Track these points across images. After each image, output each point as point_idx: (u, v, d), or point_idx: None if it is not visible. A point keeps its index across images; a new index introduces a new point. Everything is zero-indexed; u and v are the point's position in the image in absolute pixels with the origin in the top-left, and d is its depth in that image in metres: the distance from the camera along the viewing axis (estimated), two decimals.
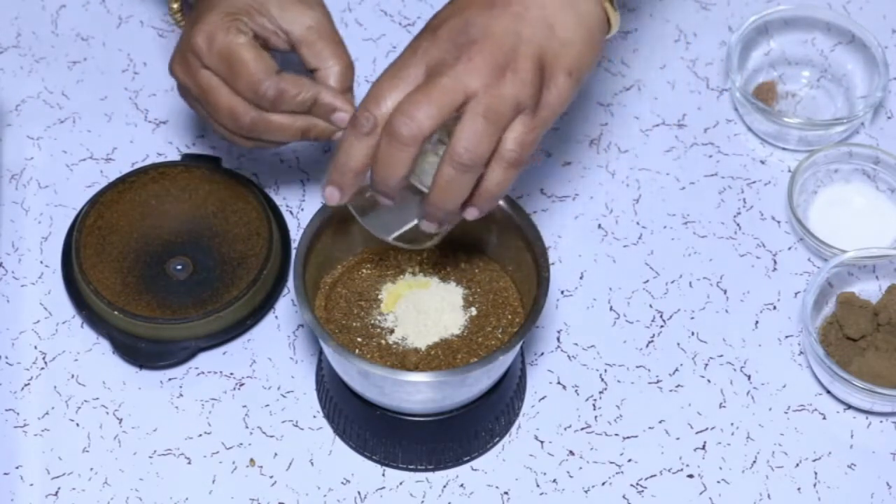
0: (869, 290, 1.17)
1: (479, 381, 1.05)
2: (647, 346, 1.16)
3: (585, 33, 0.98)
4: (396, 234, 1.04)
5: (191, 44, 1.05)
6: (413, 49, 0.97)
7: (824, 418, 1.12)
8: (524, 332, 1.03)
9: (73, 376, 1.14)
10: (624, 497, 1.09)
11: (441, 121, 0.95)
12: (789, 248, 1.20)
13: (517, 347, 1.04)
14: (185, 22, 1.13)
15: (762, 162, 1.25)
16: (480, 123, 0.94)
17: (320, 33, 1.08)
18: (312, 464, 1.10)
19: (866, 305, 1.14)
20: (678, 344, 1.16)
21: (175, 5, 1.13)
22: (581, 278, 1.19)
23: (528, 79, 0.96)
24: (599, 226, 1.21)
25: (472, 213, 1.00)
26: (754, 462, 1.10)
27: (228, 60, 1.05)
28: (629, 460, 1.10)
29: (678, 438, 1.11)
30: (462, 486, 1.10)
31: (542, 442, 1.11)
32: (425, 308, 1.09)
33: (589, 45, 0.98)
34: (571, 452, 1.11)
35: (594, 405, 1.13)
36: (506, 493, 1.09)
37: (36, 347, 1.15)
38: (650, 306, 1.17)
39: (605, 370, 1.14)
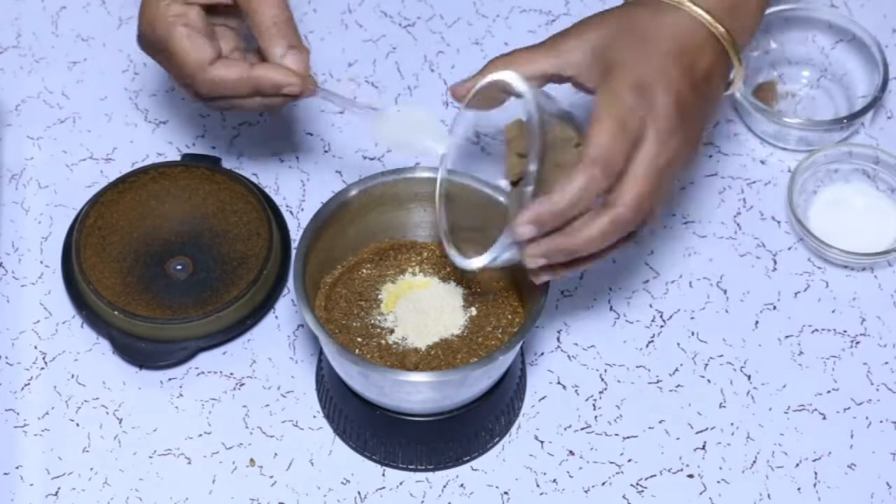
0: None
1: (479, 381, 1.05)
2: (647, 346, 1.16)
3: (721, 101, 1.04)
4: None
5: (140, 31, 1.07)
6: (631, 107, 0.96)
7: (824, 418, 1.12)
8: (524, 332, 1.03)
9: (73, 376, 1.14)
10: (624, 497, 1.09)
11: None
12: (789, 248, 1.20)
13: (517, 347, 1.04)
14: None
15: (762, 162, 1.25)
16: (648, 188, 0.97)
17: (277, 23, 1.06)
18: (312, 464, 1.10)
19: None
20: (678, 344, 1.16)
21: None
22: (581, 278, 1.19)
23: (694, 156, 1.01)
24: None
25: (544, 277, 1.01)
26: (754, 462, 1.10)
27: (166, 52, 1.06)
28: (629, 460, 1.10)
29: (678, 438, 1.11)
30: (462, 486, 1.10)
31: (542, 442, 1.11)
32: (425, 308, 1.09)
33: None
34: (571, 452, 1.11)
35: (594, 405, 1.13)
36: (506, 493, 1.09)
37: (36, 347, 1.15)
38: (650, 306, 1.17)
39: (605, 370, 1.14)
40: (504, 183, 1.05)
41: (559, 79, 1.01)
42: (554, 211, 0.95)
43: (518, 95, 0.98)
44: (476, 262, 1.01)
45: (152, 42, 1.07)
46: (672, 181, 0.98)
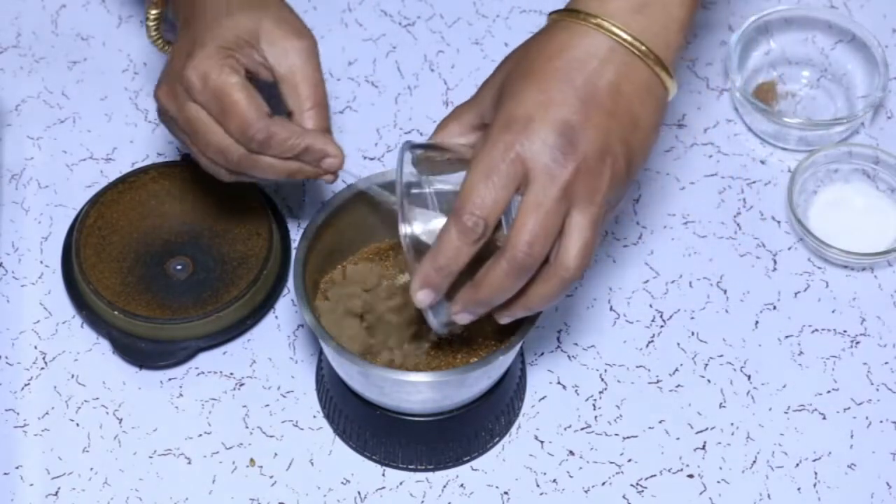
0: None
1: (479, 381, 1.05)
2: (647, 346, 1.16)
3: (660, 116, 0.97)
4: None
5: (183, 77, 1.03)
6: (508, 145, 0.92)
7: (824, 418, 1.12)
8: (524, 332, 1.03)
9: (73, 376, 1.14)
10: (624, 497, 1.09)
11: (554, 242, 0.93)
12: (789, 248, 1.20)
13: (517, 347, 1.04)
14: (167, 47, 1.11)
15: (762, 162, 1.25)
16: (589, 234, 0.93)
17: (302, 75, 1.06)
18: (312, 464, 1.10)
19: None
20: (678, 344, 1.16)
21: (152, 23, 1.11)
22: (581, 278, 1.19)
23: (619, 179, 0.95)
24: None
25: (504, 319, 0.98)
26: (754, 462, 1.10)
27: (221, 100, 1.03)
28: (629, 460, 1.10)
29: (678, 438, 1.11)
30: (462, 486, 1.10)
31: (542, 442, 1.11)
32: None
33: (661, 125, 0.98)
34: (571, 452, 1.11)
35: (594, 405, 1.13)
36: (506, 493, 1.09)
37: (36, 347, 1.15)
38: (650, 306, 1.17)
39: (605, 370, 1.14)
40: None
41: (484, 127, 0.98)
42: (437, 267, 0.93)
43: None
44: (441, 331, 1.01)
45: (202, 95, 1.03)
46: (583, 205, 0.93)
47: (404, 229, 0.98)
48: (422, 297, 0.95)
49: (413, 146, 0.99)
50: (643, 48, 0.95)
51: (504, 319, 0.98)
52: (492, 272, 0.94)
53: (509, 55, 0.98)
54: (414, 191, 0.99)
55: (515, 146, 0.92)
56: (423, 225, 0.99)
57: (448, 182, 0.99)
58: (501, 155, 0.92)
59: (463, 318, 0.97)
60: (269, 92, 1.06)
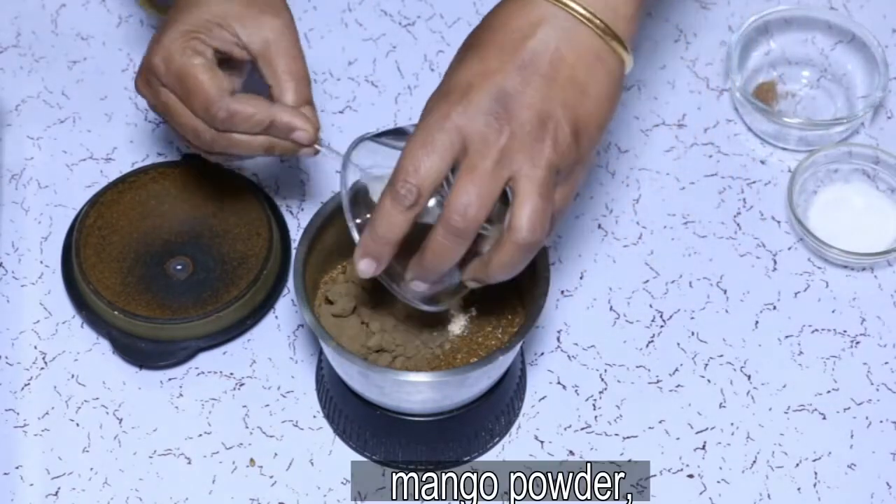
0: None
1: (479, 381, 1.05)
2: (647, 346, 1.16)
3: (612, 86, 0.96)
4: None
5: (150, 63, 1.05)
6: (443, 114, 0.93)
7: (824, 418, 1.12)
8: (524, 332, 1.03)
9: (73, 376, 1.14)
10: (624, 497, 1.09)
11: (493, 206, 0.93)
12: (789, 248, 1.20)
13: (517, 347, 1.04)
14: (152, 7, 1.12)
15: (762, 162, 1.25)
16: (536, 199, 0.93)
17: (277, 47, 1.06)
18: (312, 464, 1.10)
19: None
20: (678, 344, 1.16)
21: None
22: (581, 278, 1.19)
23: (566, 146, 0.94)
24: (599, 226, 1.21)
25: (473, 284, 0.99)
26: (754, 462, 1.10)
27: (184, 82, 1.04)
28: (629, 460, 1.10)
29: (678, 438, 1.11)
30: (462, 486, 1.10)
31: (542, 442, 1.11)
32: None
33: (615, 96, 0.97)
34: (571, 452, 1.11)
35: (594, 405, 1.13)
36: (506, 492, 1.09)
37: (36, 347, 1.15)
38: (650, 306, 1.17)
39: (605, 370, 1.14)
40: None
41: None
42: (374, 237, 0.94)
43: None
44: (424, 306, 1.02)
45: (166, 77, 1.05)
46: (525, 170, 0.93)
47: (350, 221, 0.99)
48: (363, 267, 0.95)
49: (365, 138, 0.99)
50: (587, 14, 0.94)
51: (471, 284, 0.99)
52: (431, 239, 0.94)
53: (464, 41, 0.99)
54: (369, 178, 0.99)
55: (452, 115, 0.92)
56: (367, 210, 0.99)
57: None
58: (437, 123, 0.93)
59: (418, 286, 0.97)
60: (253, 76, 1.07)
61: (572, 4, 0.94)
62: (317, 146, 1.07)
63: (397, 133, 0.99)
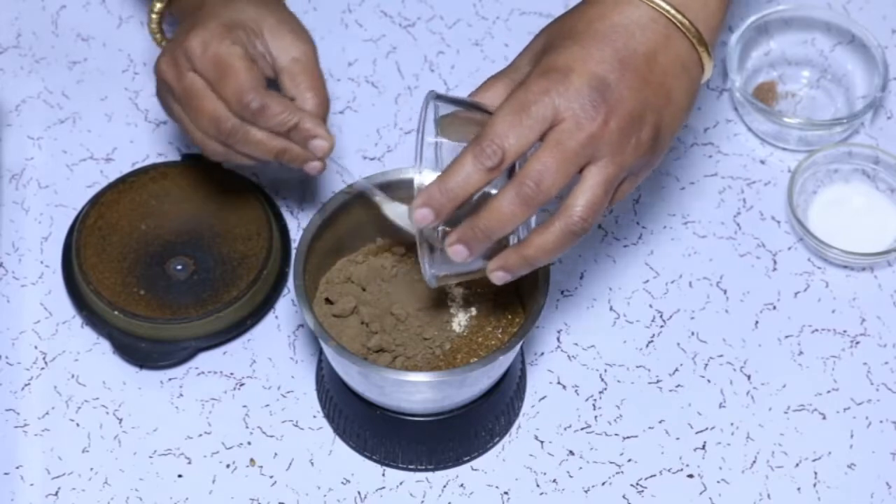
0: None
1: (479, 381, 1.05)
2: (647, 346, 1.16)
3: (692, 96, 0.98)
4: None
5: (184, 46, 1.04)
6: (543, 89, 0.93)
7: (824, 418, 1.12)
8: (524, 332, 1.03)
9: (73, 376, 1.14)
10: (624, 497, 1.09)
11: (563, 186, 0.94)
12: (789, 248, 1.20)
13: (517, 347, 1.04)
14: (165, 40, 1.12)
15: (762, 162, 1.25)
16: (600, 191, 0.94)
17: (304, 66, 1.07)
18: (312, 464, 1.10)
19: None
20: (678, 344, 1.16)
21: (155, 16, 1.12)
22: (581, 278, 1.19)
23: (645, 149, 0.95)
24: (599, 226, 1.21)
25: (500, 277, 0.97)
26: (754, 462, 1.10)
27: (220, 66, 1.04)
28: (629, 460, 1.10)
29: (678, 438, 1.11)
30: (462, 486, 1.10)
31: (542, 442, 1.11)
32: None
33: (692, 106, 0.99)
34: (571, 452, 1.11)
35: (594, 405, 1.13)
36: (506, 493, 1.09)
37: (36, 347, 1.15)
38: (650, 306, 1.17)
39: (605, 370, 1.14)
40: None
41: None
42: (443, 188, 0.93)
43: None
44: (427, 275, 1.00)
45: (201, 60, 1.04)
46: (603, 161, 0.94)
47: (418, 179, 0.98)
48: (422, 215, 0.94)
49: (438, 97, 0.98)
50: (684, 20, 0.96)
51: (498, 274, 0.97)
52: (495, 201, 0.93)
53: (545, 28, 0.99)
54: (428, 147, 0.99)
55: (551, 91, 0.93)
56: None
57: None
58: (535, 96, 0.93)
59: (458, 252, 0.96)
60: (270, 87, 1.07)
61: (673, 11, 0.96)
62: (328, 160, 1.07)
63: (465, 105, 0.99)
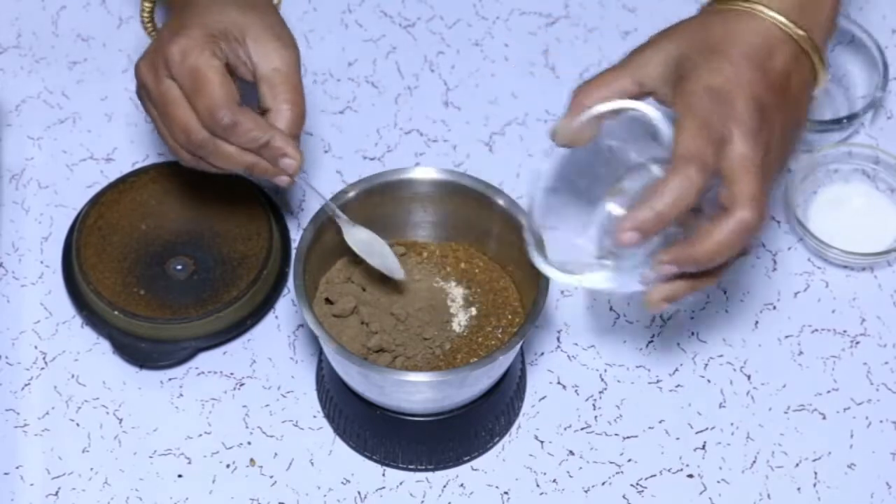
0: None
1: (479, 381, 1.05)
2: (647, 346, 1.16)
3: (807, 116, 1.02)
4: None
5: (164, 51, 1.04)
6: (713, 106, 0.96)
7: (824, 418, 1.12)
8: (524, 332, 1.03)
9: (73, 376, 1.14)
10: (624, 497, 1.09)
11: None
12: (789, 248, 1.20)
13: (517, 347, 1.04)
14: (156, 31, 1.12)
15: None
16: (758, 214, 0.97)
17: (284, 77, 1.07)
18: (312, 464, 1.10)
19: None
20: (678, 344, 1.16)
21: (146, 16, 1.13)
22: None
23: (781, 168, 1.00)
24: None
25: (664, 267, 0.99)
26: (754, 462, 1.10)
27: (196, 78, 1.03)
28: (629, 460, 1.10)
29: (678, 438, 1.11)
30: (462, 486, 1.10)
31: (542, 442, 1.11)
32: None
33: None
34: (571, 452, 1.11)
35: (594, 405, 1.13)
36: (506, 493, 1.09)
37: (36, 347, 1.15)
38: None
39: (605, 370, 1.14)
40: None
41: (639, 94, 1.01)
42: (656, 211, 0.95)
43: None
44: (585, 281, 1.02)
45: (179, 68, 1.04)
46: (770, 186, 0.98)
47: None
48: (629, 237, 0.96)
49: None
50: (818, 46, 1.00)
51: (662, 267, 0.98)
52: (717, 230, 0.96)
53: (677, 30, 1.01)
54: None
55: (722, 113, 0.96)
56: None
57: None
58: (711, 115, 0.96)
59: (666, 269, 0.98)
60: (249, 94, 1.06)
61: (802, 35, 0.99)
62: (296, 178, 1.07)
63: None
